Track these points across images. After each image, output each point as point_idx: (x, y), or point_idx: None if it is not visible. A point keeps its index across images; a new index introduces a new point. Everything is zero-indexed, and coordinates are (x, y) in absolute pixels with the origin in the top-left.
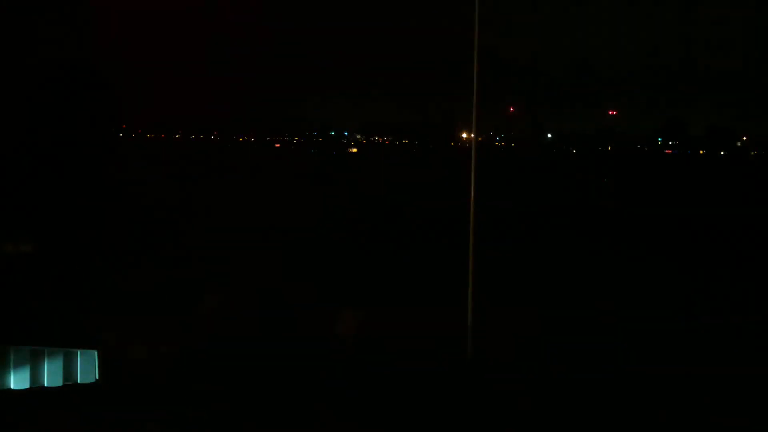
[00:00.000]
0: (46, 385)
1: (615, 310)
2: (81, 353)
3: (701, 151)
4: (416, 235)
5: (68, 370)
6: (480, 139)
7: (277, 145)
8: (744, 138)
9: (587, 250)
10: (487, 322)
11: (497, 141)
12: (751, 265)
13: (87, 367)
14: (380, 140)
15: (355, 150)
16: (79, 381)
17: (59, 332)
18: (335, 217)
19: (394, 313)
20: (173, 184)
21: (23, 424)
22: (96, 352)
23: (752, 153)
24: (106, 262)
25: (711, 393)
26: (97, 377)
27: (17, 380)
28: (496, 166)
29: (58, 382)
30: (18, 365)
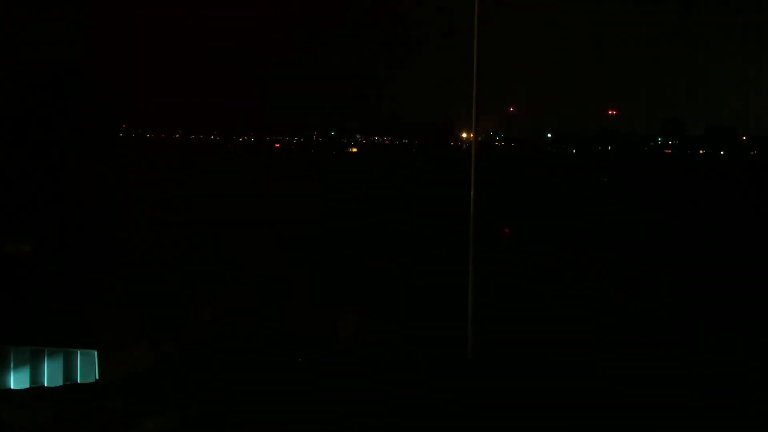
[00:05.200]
0: (46, 385)
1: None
2: (81, 353)
3: (701, 151)
4: (417, 236)
5: (68, 370)
6: (480, 138)
7: (277, 145)
8: (744, 138)
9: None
10: (487, 322)
11: (497, 141)
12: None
13: (87, 367)
14: (380, 140)
15: (355, 150)
16: (79, 381)
17: (59, 332)
18: (336, 219)
19: (394, 314)
20: (173, 183)
21: (23, 424)
22: (96, 352)
23: (752, 153)
24: (106, 262)
25: (711, 395)
26: (97, 377)
27: (17, 380)
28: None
29: (58, 382)
30: (18, 365)
